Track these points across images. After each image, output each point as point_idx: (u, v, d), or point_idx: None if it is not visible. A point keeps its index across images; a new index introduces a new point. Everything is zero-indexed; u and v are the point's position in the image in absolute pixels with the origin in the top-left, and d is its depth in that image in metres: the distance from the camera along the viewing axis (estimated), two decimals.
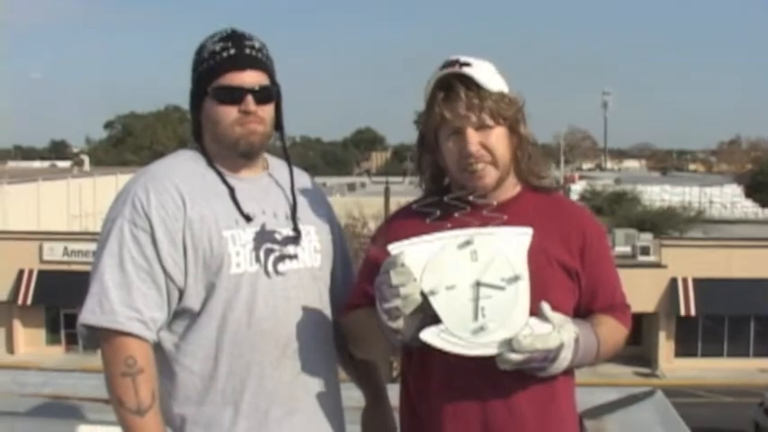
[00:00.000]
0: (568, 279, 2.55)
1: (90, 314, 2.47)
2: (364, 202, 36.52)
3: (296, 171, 2.83)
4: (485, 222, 2.48)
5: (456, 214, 2.55)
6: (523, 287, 2.35)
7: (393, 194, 35.64)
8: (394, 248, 2.35)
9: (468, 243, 2.35)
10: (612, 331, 2.58)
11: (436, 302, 2.33)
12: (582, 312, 2.56)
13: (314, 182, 2.91)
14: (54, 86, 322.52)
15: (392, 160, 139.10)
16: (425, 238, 2.38)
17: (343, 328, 2.71)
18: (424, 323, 2.34)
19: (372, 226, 24.63)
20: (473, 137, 2.48)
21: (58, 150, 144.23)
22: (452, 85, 2.48)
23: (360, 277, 2.70)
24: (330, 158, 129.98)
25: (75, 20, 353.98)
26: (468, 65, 2.50)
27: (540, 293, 2.37)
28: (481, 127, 2.49)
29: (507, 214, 2.53)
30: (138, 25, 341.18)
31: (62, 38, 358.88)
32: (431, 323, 2.34)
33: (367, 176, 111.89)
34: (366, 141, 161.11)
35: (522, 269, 2.36)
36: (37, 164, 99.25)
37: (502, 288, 2.34)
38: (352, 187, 78.68)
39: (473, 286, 2.33)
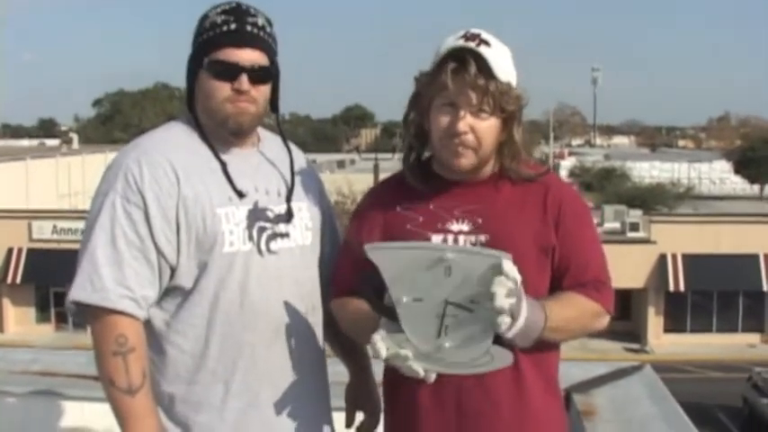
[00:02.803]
0: (545, 257, 2.53)
1: (81, 290, 2.43)
2: (354, 179, 36.53)
3: (290, 146, 2.80)
4: (459, 215, 2.51)
5: (431, 206, 2.55)
6: (490, 312, 2.23)
7: (382, 171, 35.65)
8: (370, 249, 2.33)
9: (443, 259, 2.26)
10: (574, 307, 2.51)
11: (401, 312, 2.29)
12: (554, 286, 2.54)
13: (306, 158, 2.89)
14: (42, 64, 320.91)
15: (381, 137, 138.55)
16: (403, 244, 2.36)
17: (333, 310, 2.69)
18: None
19: None
20: (466, 117, 2.46)
21: (46, 128, 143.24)
22: (465, 59, 2.43)
23: (342, 257, 2.70)
24: (319, 135, 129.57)
25: None
26: (487, 44, 2.45)
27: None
28: (477, 111, 2.46)
29: (485, 199, 2.54)
30: (126, 2, 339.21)
31: (50, 15, 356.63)
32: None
33: (356, 153, 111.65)
34: (355, 118, 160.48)
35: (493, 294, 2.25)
36: (25, 142, 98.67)
37: (470, 310, 2.27)
38: (341, 164, 78.52)
39: (441, 303, 2.28)
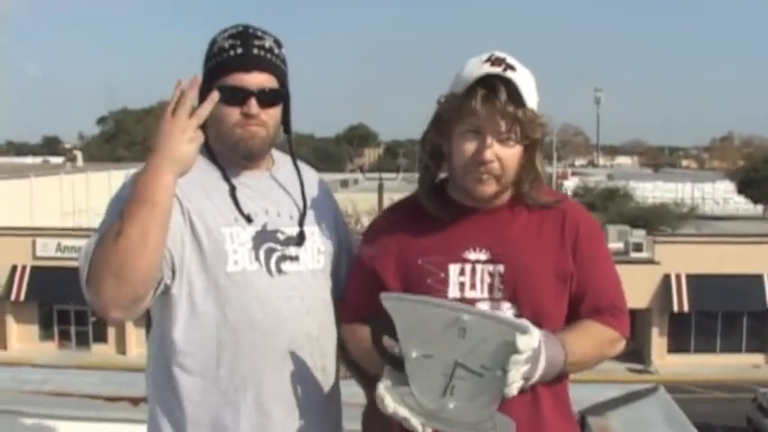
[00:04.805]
0: (563, 285, 2.52)
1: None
2: (357, 199, 36.59)
3: (304, 169, 2.81)
4: (476, 244, 2.49)
5: (448, 236, 2.52)
6: (500, 382, 2.21)
7: (386, 191, 35.75)
8: (386, 298, 2.30)
9: (459, 320, 2.23)
10: (592, 337, 2.51)
11: (409, 366, 2.28)
12: (570, 311, 2.53)
13: (321, 179, 2.89)
14: (47, 82, 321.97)
15: (385, 156, 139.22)
16: (421, 299, 2.32)
17: (342, 335, 2.68)
18: None
19: (366, 222, 24.66)
20: (493, 146, 2.43)
21: (50, 146, 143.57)
22: (495, 86, 2.40)
23: (354, 279, 2.67)
24: (323, 154, 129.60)
25: (68, 14, 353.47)
26: (513, 68, 2.42)
27: (533, 320, 2.29)
28: (505, 139, 2.44)
29: (502, 227, 2.52)
30: (130, 20, 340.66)
31: (54, 33, 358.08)
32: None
33: (360, 173, 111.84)
34: (359, 137, 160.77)
35: (505, 365, 2.22)
36: (29, 159, 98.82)
37: (480, 375, 2.23)
38: (344, 183, 78.56)
39: (451, 364, 2.25)
